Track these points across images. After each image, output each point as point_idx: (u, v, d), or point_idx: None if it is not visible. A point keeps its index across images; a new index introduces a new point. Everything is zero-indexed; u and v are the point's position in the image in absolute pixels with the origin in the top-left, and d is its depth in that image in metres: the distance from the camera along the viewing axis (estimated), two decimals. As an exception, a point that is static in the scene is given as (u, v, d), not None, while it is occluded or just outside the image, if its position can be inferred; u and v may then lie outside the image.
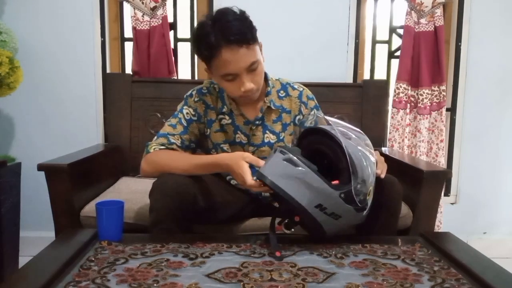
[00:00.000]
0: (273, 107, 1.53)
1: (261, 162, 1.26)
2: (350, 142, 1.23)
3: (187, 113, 1.52)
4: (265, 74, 1.51)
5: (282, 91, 1.57)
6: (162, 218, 1.34)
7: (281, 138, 1.55)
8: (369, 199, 1.25)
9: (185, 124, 1.50)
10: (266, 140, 1.54)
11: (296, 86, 1.61)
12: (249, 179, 1.24)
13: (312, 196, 1.18)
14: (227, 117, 1.53)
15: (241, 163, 1.27)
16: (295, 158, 1.19)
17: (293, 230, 1.27)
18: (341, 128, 1.27)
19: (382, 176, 1.34)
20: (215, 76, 1.42)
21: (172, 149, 1.48)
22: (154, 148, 1.47)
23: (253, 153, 1.52)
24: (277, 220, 1.28)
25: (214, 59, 1.34)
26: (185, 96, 1.57)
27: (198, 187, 1.39)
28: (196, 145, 1.57)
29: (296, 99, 1.58)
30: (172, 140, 1.48)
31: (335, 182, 1.21)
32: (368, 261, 1.18)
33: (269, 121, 1.54)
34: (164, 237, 1.30)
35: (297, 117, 1.58)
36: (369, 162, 1.24)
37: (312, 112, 1.57)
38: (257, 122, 1.53)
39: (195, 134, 1.53)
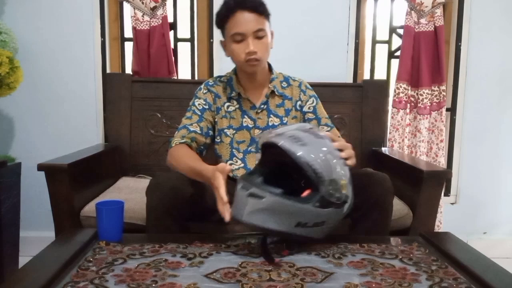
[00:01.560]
0: (276, 93, 1.66)
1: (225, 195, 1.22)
2: (305, 147, 1.17)
3: (198, 104, 1.64)
4: (270, 65, 1.67)
5: (284, 82, 1.71)
6: (158, 215, 1.37)
7: (284, 122, 1.66)
8: (348, 190, 1.22)
9: (199, 114, 1.62)
10: (270, 124, 1.65)
11: (296, 78, 1.74)
12: (222, 191, 1.21)
13: (288, 219, 1.17)
14: (234, 102, 1.65)
15: (217, 175, 1.24)
16: (257, 190, 1.16)
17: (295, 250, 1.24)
18: (291, 132, 1.23)
19: (351, 163, 1.26)
20: (227, 40, 1.55)
21: (192, 138, 1.56)
22: (175, 143, 1.54)
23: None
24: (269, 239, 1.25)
25: (229, 20, 1.51)
26: (195, 92, 1.69)
27: (195, 186, 1.41)
28: (213, 132, 1.66)
29: (296, 88, 1.70)
30: (192, 129, 1.57)
31: (307, 192, 1.19)
32: (366, 260, 1.18)
33: (273, 106, 1.66)
34: (163, 237, 1.31)
35: (298, 103, 1.69)
36: (332, 156, 1.20)
37: (311, 100, 1.69)
38: (262, 106, 1.65)
39: (210, 121, 1.64)
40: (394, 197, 1.48)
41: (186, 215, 1.41)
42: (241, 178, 1.24)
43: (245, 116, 1.65)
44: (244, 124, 1.65)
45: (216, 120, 1.65)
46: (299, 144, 1.18)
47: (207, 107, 1.64)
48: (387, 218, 1.48)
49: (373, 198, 1.41)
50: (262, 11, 1.52)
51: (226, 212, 1.20)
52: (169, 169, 1.52)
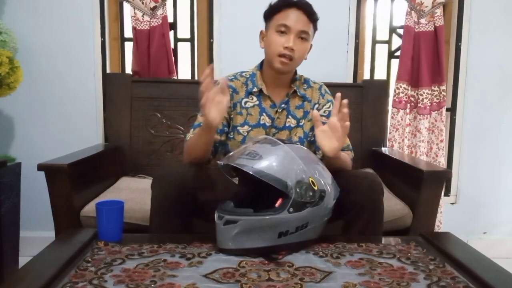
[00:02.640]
0: (298, 93, 1.64)
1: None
2: (261, 160, 1.19)
3: None
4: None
5: (305, 85, 1.69)
6: (162, 207, 1.39)
7: (301, 124, 1.64)
8: (321, 183, 1.22)
9: None
10: (287, 124, 1.63)
11: (317, 81, 1.73)
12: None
13: (268, 233, 1.18)
14: (254, 99, 1.62)
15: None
16: (230, 216, 1.18)
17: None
18: (249, 149, 1.25)
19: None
20: (270, 30, 1.54)
21: None
22: (189, 136, 1.55)
23: (273, 135, 1.60)
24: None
25: (280, 13, 1.52)
26: None
27: (199, 181, 1.42)
28: (228, 128, 1.64)
29: (317, 90, 1.69)
30: None
31: (279, 201, 1.19)
32: (364, 260, 1.18)
33: (292, 106, 1.64)
34: (162, 238, 1.31)
35: (316, 106, 1.66)
36: (291, 159, 1.21)
37: (328, 104, 1.66)
38: (282, 105, 1.62)
39: (225, 118, 1.60)
40: (384, 195, 1.46)
41: (190, 209, 1.41)
42: (217, 209, 1.25)
43: (264, 114, 1.62)
44: (262, 122, 1.61)
45: (232, 116, 1.62)
46: (256, 159, 1.20)
47: None
48: (379, 217, 1.46)
49: (362, 199, 1.39)
50: (314, 19, 1.56)
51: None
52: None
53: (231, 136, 1.62)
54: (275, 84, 1.62)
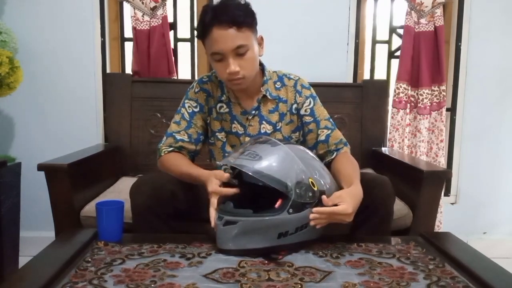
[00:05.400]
0: (269, 97, 1.54)
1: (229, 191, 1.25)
2: (260, 161, 1.18)
3: (188, 106, 1.56)
4: (263, 67, 1.55)
5: (278, 83, 1.57)
6: (142, 214, 1.38)
7: (277, 128, 1.55)
8: (321, 183, 1.22)
9: (187, 119, 1.54)
10: (262, 131, 1.54)
11: (292, 76, 1.59)
12: (213, 197, 1.25)
13: (268, 234, 1.18)
14: (224, 106, 1.55)
15: (212, 180, 1.28)
16: (230, 217, 1.18)
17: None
18: (248, 149, 1.24)
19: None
20: (209, 57, 1.43)
21: (180, 147, 1.53)
22: (164, 151, 1.52)
23: None
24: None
25: (206, 38, 1.38)
26: (187, 89, 1.60)
27: (178, 185, 1.42)
28: (205, 136, 1.60)
29: (291, 88, 1.57)
30: (179, 138, 1.53)
31: (279, 202, 1.19)
32: (364, 260, 1.18)
33: (265, 112, 1.55)
34: (161, 238, 1.31)
35: (293, 106, 1.56)
36: (291, 159, 1.21)
37: (308, 101, 1.55)
38: (253, 112, 1.54)
39: (200, 126, 1.56)
40: (395, 201, 1.46)
41: (168, 212, 1.41)
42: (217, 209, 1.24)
43: (235, 122, 1.55)
44: (234, 130, 1.55)
45: (209, 121, 1.57)
46: (256, 159, 1.19)
47: (197, 109, 1.55)
48: (388, 222, 1.46)
49: (374, 203, 1.37)
50: (242, 23, 1.34)
51: (212, 219, 1.22)
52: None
53: (212, 141, 1.60)
54: (243, 91, 1.52)
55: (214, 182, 1.26)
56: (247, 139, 1.53)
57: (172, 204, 1.40)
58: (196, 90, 1.57)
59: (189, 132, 1.54)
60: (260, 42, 1.46)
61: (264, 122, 1.55)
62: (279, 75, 1.59)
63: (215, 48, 1.36)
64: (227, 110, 1.55)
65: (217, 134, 1.57)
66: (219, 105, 1.56)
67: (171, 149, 1.52)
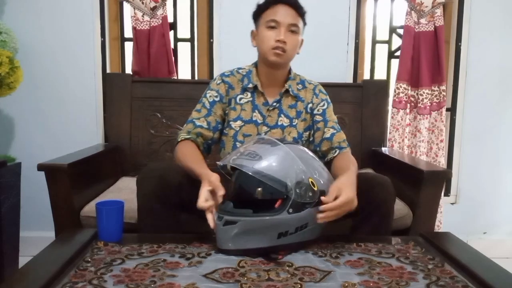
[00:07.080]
0: (291, 93, 1.65)
1: (221, 191, 1.24)
2: (260, 160, 1.19)
3: (210, 96, 1.64)
4: (290, 67, 1.69)
5: (300, 84, 1.70)
6: (148, 202, 1.39)
7: (294, 123, 1.65)
8: (320, 183, 1.22)
9: (208, 107, 1.62)
10: (279, 123, 1.64)
11: (312, 82, 1.74)
12: (200, 200, 1.23)
13: (268, 234, 1.18)
14: (248, 95, 1.64)
15: (204, 183, 1.27)
16: (229, 217, 1.18)
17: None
18: (249, 149, 1.25)
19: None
20: (260, 28, 1.57)
21: (198, 133, 1.58)
22: (181, 137, 1.57)
23: (265, 133, 1.63)
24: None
25: (268, 10, 1.55)
26: (209, 83, 1.70)
27: (185, 176, 1.42)
28: (223, 126, 1.66)
29: (310, 90, 1.70)
30: (198, 124, 1.59)
31: (279, 202, 1.19)
32: (363, 260, 1.18)
33: (285, 106, 1.65)
34: (161, 238, 1.31)
35: (309, 105, 1.67)
36: (290, 159, 1.21)
37: (322, 103, 1.67)
38: (274, 103, 1.64)
39: (219, 115, 1.63)
40: (395, 201, 1.47)
41: (175, 202, 1.41)
42: (217, 209, 1.24)
43: (256, 111, 1.63)
44: (254, 119, 1.63)
45: (226, 111, 1.64)
46: (255, 159, 1.20)
47: (218, 99, 1.63)
48: (388, 222, 1.47)
49: (374, 203, 1.40)
50: (302, 13, 1.57)
51: (210, 222, 1.22)
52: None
53: (226, 132, 1.64)
54: (269, 81, 1.64)
55: (203, 196, 1.24)
56: (265, 128, 1.63)
57: (178, 194, 1.40)
58: (218, 82, 1.66)
59: (208, 120, 1.60)
60: (301, 42, 1.61)
61: (282, 115, 1.65)
62: (301, 78, 1.73)
63: (275, 16, 1.53)
64: (250, 99, 1.64)
65: (231, 123, 1.63)
66: (240, 96, 1.64)
67: (188, 136, 1.57)
